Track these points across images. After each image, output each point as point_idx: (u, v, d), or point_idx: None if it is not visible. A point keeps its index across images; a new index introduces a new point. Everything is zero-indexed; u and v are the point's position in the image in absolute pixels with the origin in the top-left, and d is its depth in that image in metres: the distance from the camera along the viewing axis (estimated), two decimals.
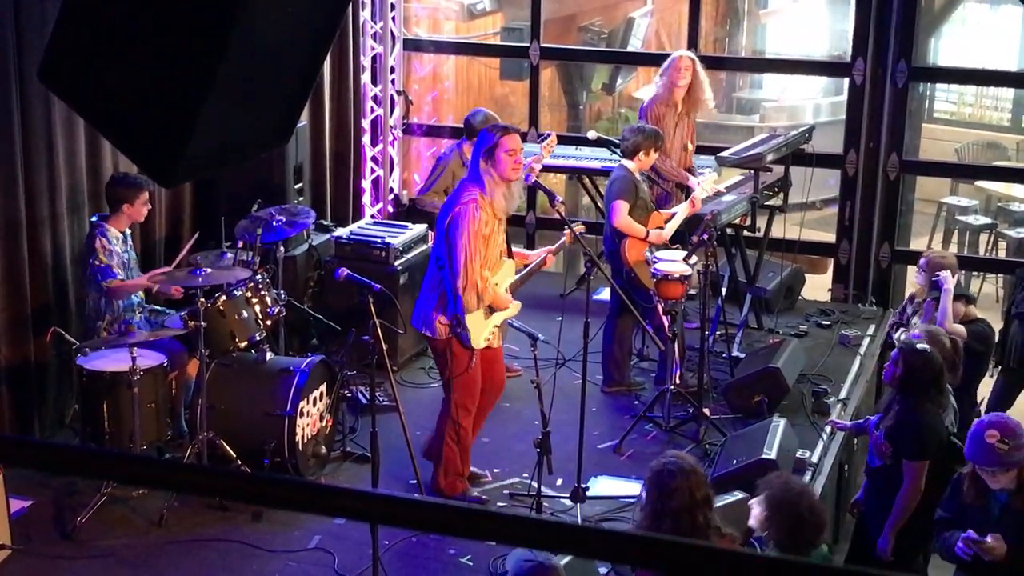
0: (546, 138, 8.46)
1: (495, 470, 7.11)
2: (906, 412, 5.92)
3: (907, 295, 8.63)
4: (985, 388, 7.95)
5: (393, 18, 10.44)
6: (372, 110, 10.38)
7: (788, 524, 4.92)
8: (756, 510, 5.04)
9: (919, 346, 6.00)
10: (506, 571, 6.06)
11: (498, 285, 6.52)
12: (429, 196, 8.26)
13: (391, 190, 10.75)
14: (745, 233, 9.05)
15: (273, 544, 6.34)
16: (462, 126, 8.67)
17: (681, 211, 7.94)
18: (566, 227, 6.68)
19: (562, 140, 10.31)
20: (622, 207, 7.67)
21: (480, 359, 6.62)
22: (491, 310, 6.50)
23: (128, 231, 7.18)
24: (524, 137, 8.18)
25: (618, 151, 8.47)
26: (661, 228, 7.83)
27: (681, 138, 8.62)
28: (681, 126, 8.59)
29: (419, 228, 8.72)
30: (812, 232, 10.66)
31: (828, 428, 7.44)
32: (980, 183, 12.88)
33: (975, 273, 11.29)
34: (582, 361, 6.63)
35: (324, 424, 7.04)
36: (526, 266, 6.84)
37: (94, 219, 7.11)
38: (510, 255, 6.72)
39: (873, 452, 6.13)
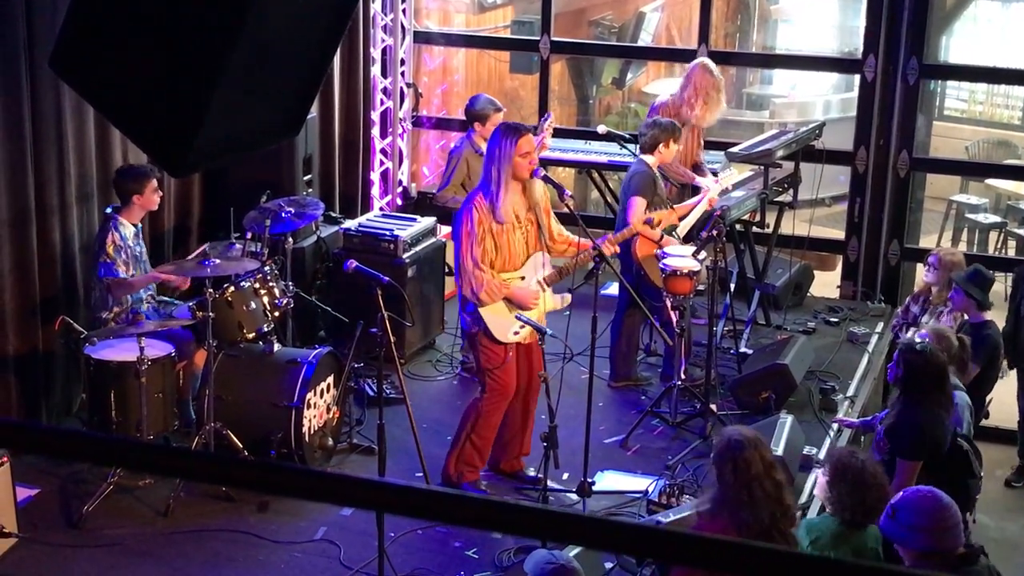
0: (546, 120, 8.44)
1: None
2: (905, 411, 5.91)
3: (911, 294, 8.64)
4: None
5: (404, 10, 10.43)
6: (382, 102, 10.37)
7: (850, 490, 5.05)
8: (820, 478, 5.18)
9: (918, 346, 5.99)
10: (512, 563, 6.07)
11: (525, 279, 6.51)
12: (448, 191, 8.22)
13: (400, 182, 10.75)
14: (754, 229, 9.03)
15: (279, 535, 6.34)
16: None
17: (699, 207, 7.91)
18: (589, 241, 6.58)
19: (572, 134, 10.34)
20: (639, 204, 7.63)
21: (516, 355, 6.62)
22: (513, 305, 6.49)
23: (140, 224, 7.18)
24: (535, 130, 8.16)
25: (628, 146, 8.46)
26: (676, 226, 7.83)
27: (688, 143, 8.63)
28: (686, 132, 8.59)
29: (427, 221, 8.72)
30: (821, 229, 10.64)
31: (835, 426, 7.44)
32: (990, 181, 12.85)
33: (992, 273, 11.25)
34: (590, 356, 6.63)
35: (331, 416, 7.05)
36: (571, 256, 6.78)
37: (108, 211, 7.11)
38: (546, 247, 6.63)
39: (874, 448, 6.14)
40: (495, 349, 6.51)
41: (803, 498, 6.68)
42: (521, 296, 6.47)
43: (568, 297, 6.73)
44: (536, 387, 6.72)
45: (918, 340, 6.14)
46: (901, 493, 4.95)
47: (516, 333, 6.51)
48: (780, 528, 4.79)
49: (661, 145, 7.72)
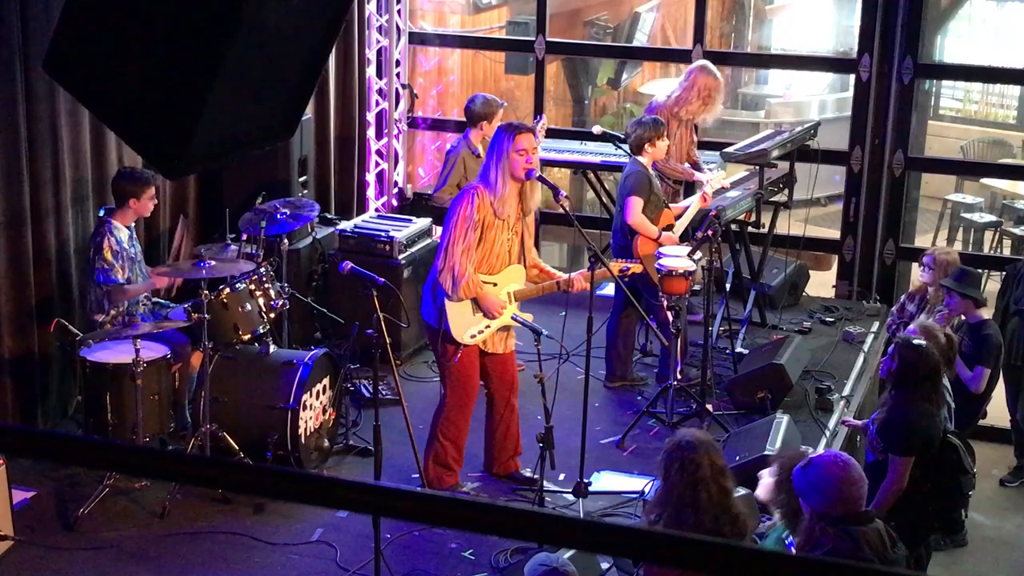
0: (538, 122, 8.48)
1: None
2: (897, 407, 5.92)
3: (907, 292, 8.65)
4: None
5: (399, 11, 10.43)
6: (377, 103, 10.37)
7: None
8: (767, 479, 5.08)
9: (915, 341, 6.00)
10: (509, 564, 6.07)
11: (497, 286, 6.50)
12: (445, 192, 8.21)
13: (395, 184, 10.75)
14: (750, 229, 9.04)
15: (275, 537, 6.34)
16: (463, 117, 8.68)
17: (692, 206, 7.94)
18: (598, 263, 6.50)
19: (567, 135, 10.35)
20: (636, 204, 7.67)
21: (484, 362, 6.62)
22: (478, 307, 6.48)
23: (133, 225, 7.18)
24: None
25: (623, 146, 8.47)
26: (672, 225, 7.85)
27: (683, 141, 8.66)
28: (681, 130, 8.64)
29: (423, 222, 8.72)
30: (817, 229, 10.65)
31: (831, 426, 7.46)
32: (985, 180, 12.85)
33: (979, 270, 11.28)
34: (586, 356, 6.63)
35: (327, 417, 7.04)
36: (538, 283, 6.79)
37: (101, 213, 7.11)
38: (524, 263, 6.65)
39: (868, 447, 6.15)
40: (448, 347, 6.52)
41: None
42: (489, 302, 6.46)
43: (530, 316, 6.68)
44: (515, 388, 6.75)
45: (913, 336, 6.15)
46: (823, 451, 4.94)
47: (473, 336, 6.51)
48: (723, 534, 4.70)
49: (647, 144, 7.75)
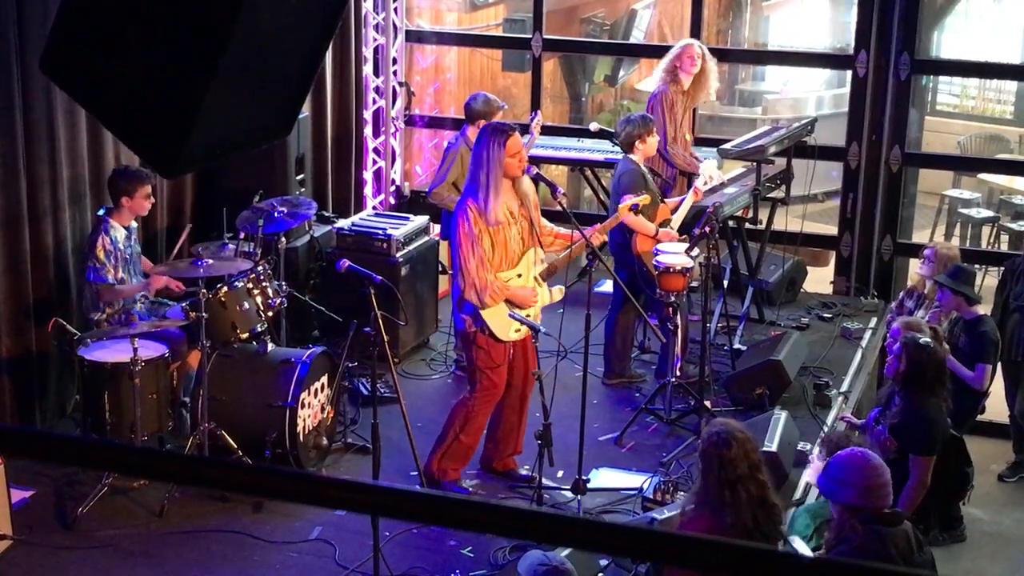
0: (534, 119, 8.47)
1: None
2: (911, 408, 5.92)
3: (905, 288, 8.66)
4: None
5: (395, 9, 10.42)
6: (374, 101, 10.36)
7: None
8: (817, 463, 5.14)
9: (923, 341, 6.01)
10: (508, 561, 6.06)
11: (522, 276, 6.49)
12: (443, 189, 8.18)
13: (393, 181, 10.75)
14: (747, 225, 9.04)
15: (274, 535, 6.34)
16: (463, 115, 8.67)
17: (687, 200, 7.93)
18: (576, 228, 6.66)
19: (564, 132, 10.35)
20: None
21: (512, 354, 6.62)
22: (512, 304, 6.48)
23: (134, 225, 7.15)
24: (525, 129, 8.20)
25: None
26: (669, 220, 7.84)
27: (688, 126, 8.67)
28: (687, 114, 8.64)
29: (420, 220, 8.72)
30: (814, 225, 10.65)
31: (829, 422, 7.46)
32: (983, 176, 12.86)
33: (977, 266, 11.29)
34: (584, 353, 6.63)
35: (325, 415, 7.04)
36: (559, 252, 6.79)
37: (100, 212, 7.09)
38: (541, 243, 6.62)
39: (874, 447, 6.13)
40: (496, 349, 6.50)
41: (797, 493, 6.69)
42: (521, 295, 6.47)
43: (562, 289, 6.72)
44: (531, 384, 6.72)
45: (919, 336, 6.17)
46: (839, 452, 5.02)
47: (517, 331, 6.51)
48: (763, 530, 4.75)
49: (638, 141, 7.74)
